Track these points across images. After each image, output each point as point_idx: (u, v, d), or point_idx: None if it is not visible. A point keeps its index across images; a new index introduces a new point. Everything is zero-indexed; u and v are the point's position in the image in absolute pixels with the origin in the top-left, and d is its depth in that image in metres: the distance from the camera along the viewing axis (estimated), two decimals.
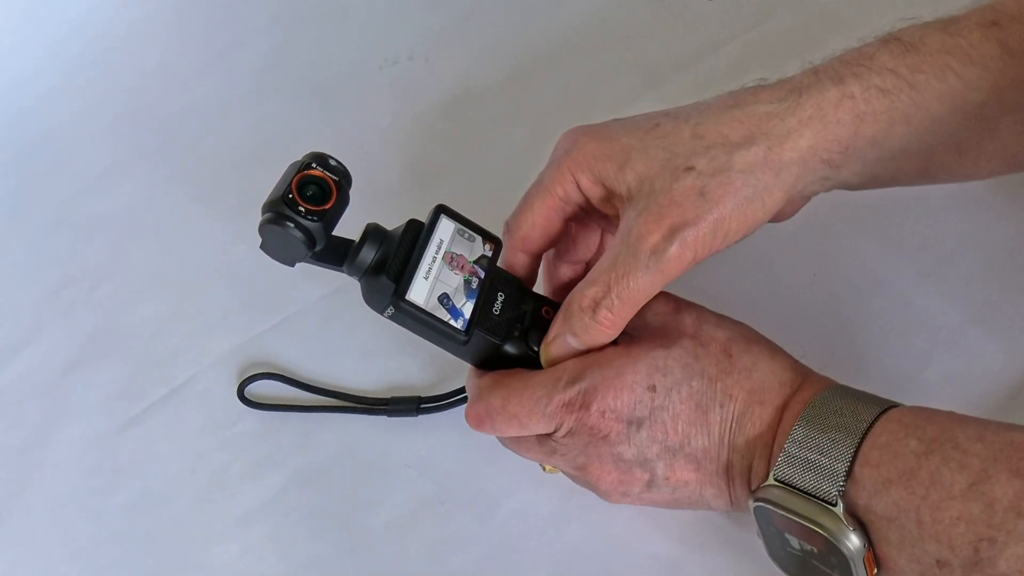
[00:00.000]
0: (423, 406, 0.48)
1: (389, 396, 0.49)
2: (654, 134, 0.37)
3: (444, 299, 0.38)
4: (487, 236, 0.41)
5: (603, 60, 0.63)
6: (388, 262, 0.38)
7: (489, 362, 0.40)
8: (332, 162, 0.38)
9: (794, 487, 0.33)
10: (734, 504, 0.38)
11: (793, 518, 0.33)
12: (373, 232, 0.39)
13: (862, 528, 0.32)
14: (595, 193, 0.38)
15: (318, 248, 0.37)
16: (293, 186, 0.36)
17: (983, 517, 0.29)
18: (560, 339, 0.38)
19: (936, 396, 0.43)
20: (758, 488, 0.35)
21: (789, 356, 0.39)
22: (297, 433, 0.50)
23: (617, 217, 0.38)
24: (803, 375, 0.38)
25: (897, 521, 0.31)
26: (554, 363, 0.39)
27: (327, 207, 0.37)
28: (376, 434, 0.49)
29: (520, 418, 0.38)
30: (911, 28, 0.37)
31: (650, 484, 0.38)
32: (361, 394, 0.50)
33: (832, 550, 0.32)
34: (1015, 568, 0.28)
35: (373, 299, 0.39)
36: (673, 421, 0.37)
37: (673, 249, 0.35)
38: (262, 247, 0.38)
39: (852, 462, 0.32)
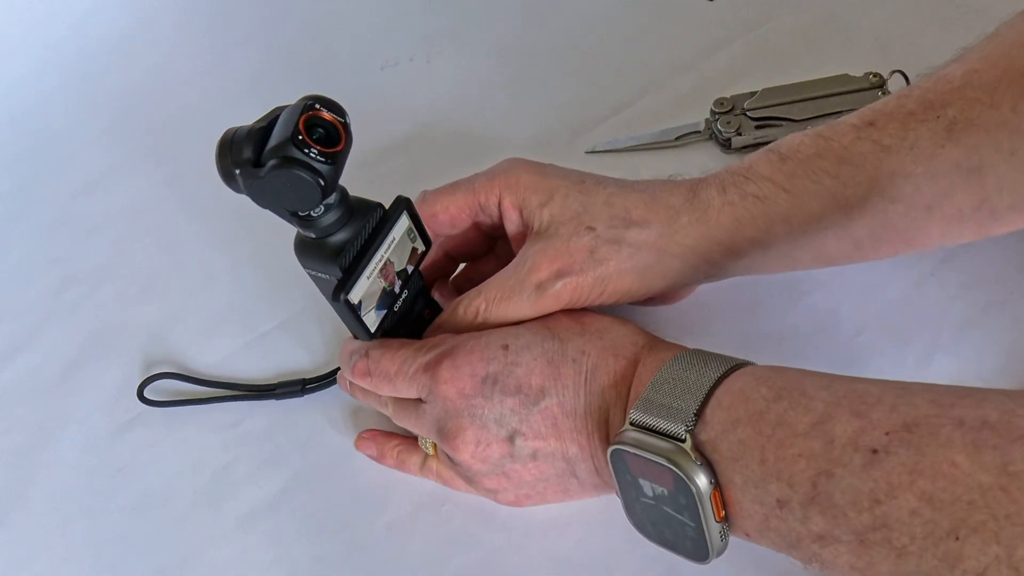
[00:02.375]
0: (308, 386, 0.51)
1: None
2: (578, 188, 0.41)
3: (368, 301, 0.39)
4: (425, 239, 0.41)
5: (603, 61, 0.63)
6: (345, 248, 0.37)
7: None
8: (333, 104, 0.35)
9: (648, 428, 0.35)
10: (595, 464, 0.39)
11: (644, 455, 0.34)
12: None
13: (709, 467, 0.33)
14: (510, 216, 0.43)
15: (330, 198, 0.35)
16: (301, 127, 0.33)
17: (822, 452, 0.30)
18: (441, 331, 0.43)
19: None
20: (615, 436, 0.36)
21: (640, 327, 0.41)
22: (297, 433, 0.50)
23: (507, 240, 0.44)
24: (656, 339, 0.41)
25: (742, 461, 0.32)
26: None
27: (338, 149, 0.34)
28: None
29: (391, 377, 0.41)
30: (789, 138, 0.41)
31: (511, 447, 0.38)
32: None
33: (681, 488, 0.33)
34: (849, 500, 0.29)
35: (312, 266, 0.38)
36: (527, 375, 0.38)
37: (556, 287, 0.40)
38: (259, 201, 0.35)
39: (704, 404, 0.34)
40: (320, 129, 0.34)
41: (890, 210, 0.39)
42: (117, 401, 0.54)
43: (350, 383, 0.47)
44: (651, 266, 0.40)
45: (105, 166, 0.68)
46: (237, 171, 0.34)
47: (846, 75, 0.54)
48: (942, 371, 0.45)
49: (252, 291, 0.57)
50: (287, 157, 0.33)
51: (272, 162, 0.33)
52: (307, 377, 0.51)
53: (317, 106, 0.34)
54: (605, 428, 0.38)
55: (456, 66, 0.66)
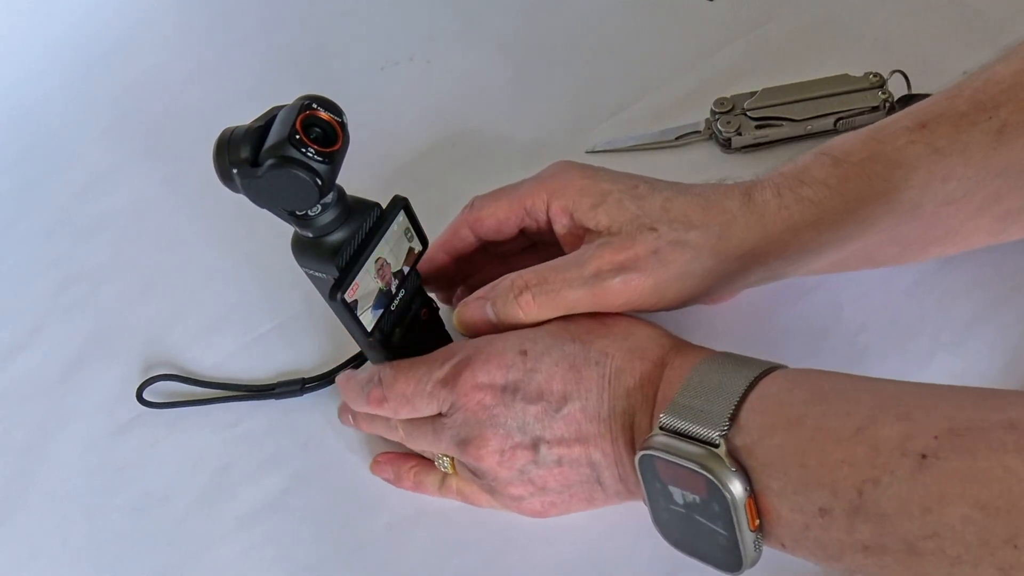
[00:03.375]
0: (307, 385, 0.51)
1: None
2: (632, 192, 0.40)
3: (365, 300, 0.39)
4: (422, 239, 0.41)
5: (604, 61, 0.63)
6: (342, 247, 0.37)
7: (376, 352, 0.44)
8: (330, 103, 0.35)
9: (679, 432, 0.33)
10: (620, 471, 0.38)
11: (676, 461, 0.33)
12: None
13: (744, 474, 0.32)
14: (560, 220, 0.42)
15: (327, 198, 0.36)
16: (298, 127, 0.33)
17: (868, 458, 0.29)
18: (478, 303, 0.41)
19: None
20: (644, 441, 0.35)
21: (663, 329, 0.41)
22: (297, 433, 0.50)
23: (550, 247, 0.43)
24: (681, 341, 0.40)
25: (780, 466, 0.31)
26: (463, 323, 0.42)
27: (335, 148, 0.34)
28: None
29: (409, 398, 0.40)
30: (840, 140, 0.40)
31: (535, 455, 0.38)
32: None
33: (714, 495, 0.32)
34: (898, 508, 0.28)
35: (309, 265, 0.38)
36: (548, 381, 0.37)
37: (615, 281, 0.38)
38: (256, 200, 0.35)
39: (738, 408, 0.33)
40: (317, 129, 0.34)
41: (941, 213, 0.38)
42: (117, 401, 0.53)
43: (353, 415, 0.47)
44: (711, 269, 0.39)
45: (105, 166, 0.68)
46: (234, 170, 0.34)
47: (846, 75, 0.54)
48: (943, 371, 0.45)
49: (252, 291, 0.57)
50: (284, 156, 0.33)
51: (269, 161, 0.33)
52: (306, 377, 0.51)
53: (314, 106, 0.34)
54: (630, 433, 0.37)
55: (456, 66, 0.66)
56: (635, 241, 0.39)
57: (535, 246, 0.47)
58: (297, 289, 0.53)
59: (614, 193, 0.40)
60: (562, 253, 0.42)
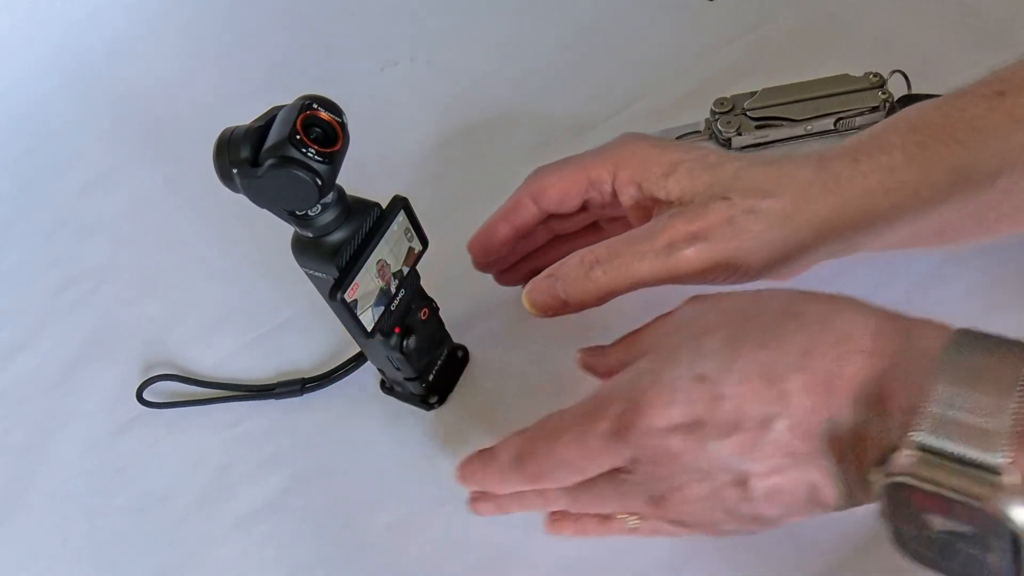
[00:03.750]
0: (307, 385, 0.51)
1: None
2: (702, 162, 0.39)
3: (365, 300, 0.39)
4: (422, 238, 0.41)
5: (604, 61, 0.63)
6: (342, 247, 0.37)
7: (378, 352, 0.44)
8: (330, 104, 0.35)
9: (944, 454, 0.27)
10: (846, 488, 0.32)
11: (944, 493, 0.26)
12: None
13: None
14: (627, 191, 0.40)
15: (327, 197, 0.36)
16: (298, 127, 0.33)
17: None
18: (547, 281, 0.40)
19: None
20: (889, 462, 0.28)
21: (857, 299, 0.34)
22: (297, 433, 0.50)
23: (615, 220, 0.42)
24: (888, 314, 0.33)
25: None
26: (533, 304, 0.41)
27: (335, 149, 0.34)
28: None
29: (573, 464, 0.35)
30: (916, 108, 0.39)
31: (745, 491, 0.32)
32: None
33: (994, 530, 0.26)
34: None
35: (309, 265, 0.38)
36: (740, 406, 0.31)
37: (688, 251, 0.37)
38: (256, 200, 0.35)
39: (1015, 418, 0.26)
40: (317, 129, 0.34)
41: (1018, 184, 0.37)
42: (117, 401, 0.54)
43: (496, 501, 0.41)
44: (785, 239, 0.37)
45: (105, 166, 0.68)
46: (234, 170, 0.34)
47: (846, 75, 0.54)
48: None
49: (252, 291, 0.57)
50: (285, 156, 0.33)
51: (269, 161, 0.33)
52: (306, 377, 0.51)
53: (315, 106, 0.34)
54: (863, 445, 0.30)
55: (456, 66, 0.66)
56: (708, 210, 0.37)
57: (596, 224, 0.46)
58: (297, 289, 0.53)
59: (685, 163, 0.39)
60: (624, 231, 0.40)
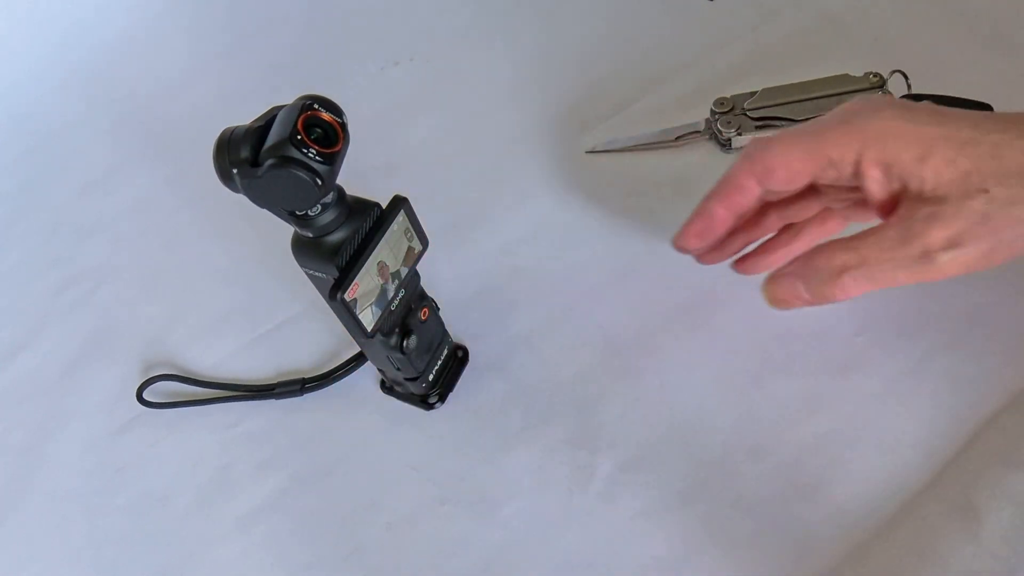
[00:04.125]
0: (307, 385, 0.51)
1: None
2: (959, 139, 0.35)
3: (365, 300, 0.39)
4: (422, 238, 0.41)
5: (604, 61, 0.63)
6: (342, 247, 0.37)
7: (378, 352, 0.44)
8: (331, 104, 0.35)
9: None
10: None
11: None
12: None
13: None
14: (872, 175, 0.36)
15: (327, 198, 0.36)
16: (299, 127, 0.33)
17: None
18: (791, 281, 0.38)
19: (936, 394, 0.44)
20: None
21: None
22: (297, 433, 0.50)
23: (846, 201, 0.39)
24: None
25: None
26: (774, 300, 0.39)
27: (336, 149, 0.34)
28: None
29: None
30: None
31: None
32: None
33: None
34: None
35: (309, 265, 0.38)
36: None
37: (944, 259, 0.34)
38: (256, 200, 0.35)
39: None
40: (318, 129, 0.34)
41: None
42: (117, 401, 0.54)
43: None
44: None
45: (105, 167, 0.68)
46: (234, 170, 0.34)
47: (846, 75, 0.54)
48: (943, 369, 0.45)
49: (252, 291, 0.57)
50: (285, 156, 0.33)
51: (269, 161, 0.33)
52: (306, 377, 0.51)
53: (316, 106, 0.34)
54: None
55: (456, 66, 0.66)
56: (962, 209, 0.34)
57: (814, 188, 0.41)
58: (297, 289, 0.53)
59: (940, 141, 0.35)
60: (853, 197, 0.38)
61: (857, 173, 0.36)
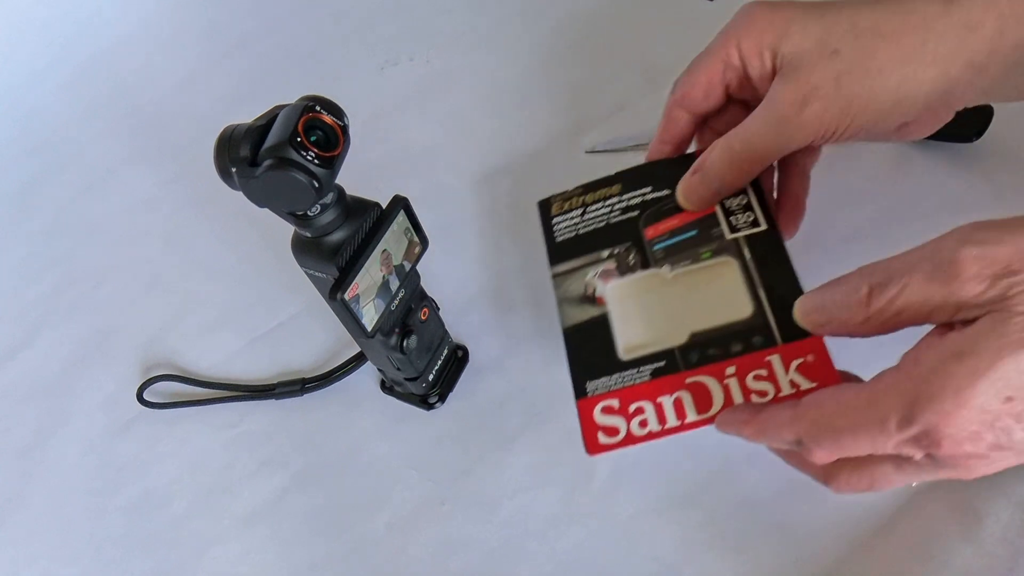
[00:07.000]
0: (307, 385, 0.51)
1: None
2: (818, 11, 0.38)
3: (366, 296, 0.39)
4: (422, 238, 0.41)
5: (605, 60, 0.63)
6: (342, 247, 0.37)
7: (378, 352, 0.45)
8: (333, 106, 0.35)
9: None
10: None
11: None
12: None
13: None
14: (753, 63, 0.39)
15: (326, 198, 0.36)
16: (299, 129, 0.33)
17: None
18: (694, 177, 0.41)
19: None
20: None
21: None
22: (297, 433, 0.50)
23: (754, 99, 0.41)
24: None
25: None
26: (686, 197, 0.42)
27: (335, 153, 0.34)
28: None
29: (864, 452, 0.33)
30: None
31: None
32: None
33: None
34: None
35: (309, 265, 0.38)
36: None
37: (799, 118, 0.37)
38: (254, 199, 0.35)
39: None
40: (319, 131, 0.34)
41: None
42: (117, 401, 0.54)
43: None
44: (903, 84, 0.36)
45: (106, 167, 0.68)
46: (233, 169, 0.34)
47: None
48: None
49: (252, 291, 0.57)
50: (283, 158, 0.33)
51: (268, 162, 0.33)
52: (306, 377, 0.51)
53: (317, 108, 0.34)
54: None
55: (456, 66, 0.66)
56: (814, 71, 0.37)
57: (743, 104, 0.44)
58: (297, 289, 0.53)
59: (798, 18, 0.38)
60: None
61: (744, 67, 0.40)
